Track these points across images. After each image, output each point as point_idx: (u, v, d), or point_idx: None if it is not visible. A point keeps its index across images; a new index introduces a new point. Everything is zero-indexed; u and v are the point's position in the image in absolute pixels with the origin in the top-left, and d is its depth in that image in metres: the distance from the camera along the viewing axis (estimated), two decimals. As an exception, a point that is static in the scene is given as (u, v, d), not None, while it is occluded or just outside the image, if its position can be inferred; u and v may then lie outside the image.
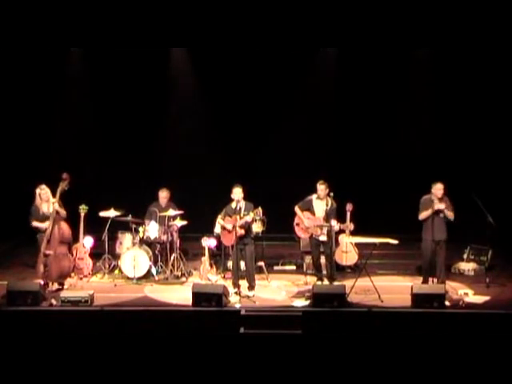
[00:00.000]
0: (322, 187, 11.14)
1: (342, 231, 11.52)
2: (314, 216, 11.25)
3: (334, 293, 10.26)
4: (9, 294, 10.25)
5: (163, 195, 12.20)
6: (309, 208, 11.31)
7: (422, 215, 10.82)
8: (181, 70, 14.50)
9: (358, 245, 11.81)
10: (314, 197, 11.30)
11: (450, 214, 10.79)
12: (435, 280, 10.91)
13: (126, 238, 12.22)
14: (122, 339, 9.46)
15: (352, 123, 14.50)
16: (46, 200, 11.00)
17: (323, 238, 11.19)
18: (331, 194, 11.15)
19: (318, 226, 11.17)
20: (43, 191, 11.03)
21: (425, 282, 11.01)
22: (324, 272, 11.40)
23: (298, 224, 11.46)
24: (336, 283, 10.99)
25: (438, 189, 10.78)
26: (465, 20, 12.65)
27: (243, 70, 14.31)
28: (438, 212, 10.74)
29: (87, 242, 12.07)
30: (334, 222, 10.99)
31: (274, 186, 14.09)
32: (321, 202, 11.21)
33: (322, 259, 11.47)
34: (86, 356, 9.26)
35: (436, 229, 10.74)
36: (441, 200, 10.77)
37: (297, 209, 11.36)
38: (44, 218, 10.99)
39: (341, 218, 11.25)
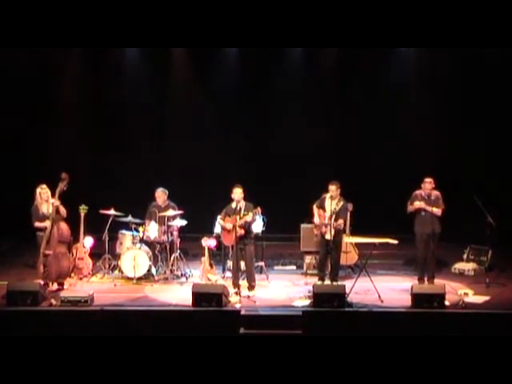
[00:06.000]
0: (332, 188, 11.18)
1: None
2: (323, 214, 11.30)
3: (334, 293, 10.26)
4: (9, 294, 10.24)
5: (158, 195, 12.14)
6: (322, 206, 11.37)
7: (409, 208, 11.22)
8: (181, 70, 14.52)
9: (358, 245, 11.82)
10: (327, 195, 11.33)
11: (434, 211, 11.01)
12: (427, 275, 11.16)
13: (126, 238, 12.22)
14: (122, 339, 9.45)
15: (352, 123, 14.51)
16: (46, 200, 11.02)
17: (327, 236, 11.22)
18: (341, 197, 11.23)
19: (322, 224, 11.21)
20: (43, 190, 11.04)
21: (420, 277, 11.17)
22: (327, 272, 11.40)
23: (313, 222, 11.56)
24: (336, 283, 10.99)
25: (425, 182, 11.19)
26: (464, 19, 12.63)
27: (243, 70, 14.34)
28: (420, 209, 11.02)
29: (87, 242, 12.07)
30: (340, 221, 11.02)
31: (275, 186, 14.10)
32: (332, 201, 11.22)
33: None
34: (86, 356, 9.26)
35: (431, 223, 10.97)
36: (429, 197, 11.02)
37: (314, 207, 11.41)
38: (44, 218, 10.99)
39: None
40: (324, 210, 11.31)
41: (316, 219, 11.34)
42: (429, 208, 10.99)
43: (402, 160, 14.27)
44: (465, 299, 10.45)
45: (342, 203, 11.18)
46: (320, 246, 11.44)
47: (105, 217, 12.04)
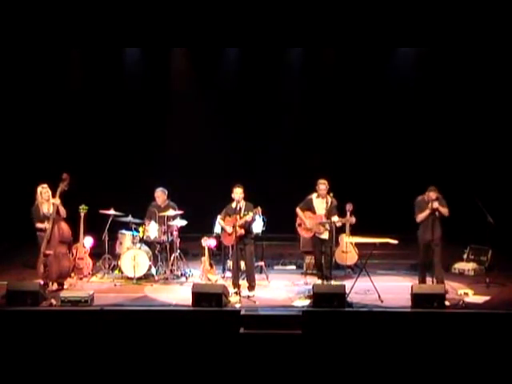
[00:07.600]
0: (322, 187, 11.19)
1: (343, 229, 11.55)
2: (315, 214, 11.27)
3: (334, 293, 10.25)
4: (9, 293, 10.23)
5: (158, 195, 12.13)
6: (309, 207, 11.34)
7: (420, 217, 10.79)
8: (181, 70, 14.52)
9: (357, 245, 11.80)
10: (313, 196, 11.34)
11: (444, 211, 10.81)
12: (434, 280, 10.95)
13: (126, 238, 12.21)
14: (122, 339, 9.46)
15: (352, 123, 14.51)
16: (47, 199, 11.02)
17: (325, 236, 11.20)
18: (330, 194, 11.19)
19: (320, 224, 11.20)
20: (44, 190, 11.04)
21: (421, 281, 11.05)
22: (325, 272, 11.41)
23: (299, 225, 11.51)
24: (336, 283, 10.99)
25: (430, 190, 10.85)
26: (462, 18, 12.66)
27: (243, 70, 14.34)
28: (434, 211, 10.74)
29: (87, 241, 12.07)
30: (335, 218, 11.02)
31: (274, 186, 14.10)
32: (321, 200, 11.23)
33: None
34: (86, 356, 9.27)
35: (431, 228, 10.77)
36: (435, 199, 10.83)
37: (298, 210, 11.40)
38: (44, 218, 10.99)
39: (341, 217, 11.27)
40: (313, 212, 11.30)
41: (308, 223, 11.32)
42: (441, 209, 10.72)
43: (402, 159, 14.27)
44: (465, 299, 10.45)
45: (331, 200, 11.17)
46: (314, 246, 11.45)
47: (105, 217, 12.03)
